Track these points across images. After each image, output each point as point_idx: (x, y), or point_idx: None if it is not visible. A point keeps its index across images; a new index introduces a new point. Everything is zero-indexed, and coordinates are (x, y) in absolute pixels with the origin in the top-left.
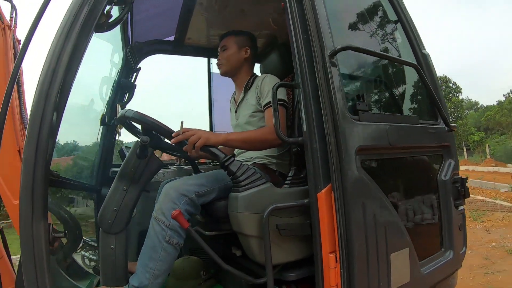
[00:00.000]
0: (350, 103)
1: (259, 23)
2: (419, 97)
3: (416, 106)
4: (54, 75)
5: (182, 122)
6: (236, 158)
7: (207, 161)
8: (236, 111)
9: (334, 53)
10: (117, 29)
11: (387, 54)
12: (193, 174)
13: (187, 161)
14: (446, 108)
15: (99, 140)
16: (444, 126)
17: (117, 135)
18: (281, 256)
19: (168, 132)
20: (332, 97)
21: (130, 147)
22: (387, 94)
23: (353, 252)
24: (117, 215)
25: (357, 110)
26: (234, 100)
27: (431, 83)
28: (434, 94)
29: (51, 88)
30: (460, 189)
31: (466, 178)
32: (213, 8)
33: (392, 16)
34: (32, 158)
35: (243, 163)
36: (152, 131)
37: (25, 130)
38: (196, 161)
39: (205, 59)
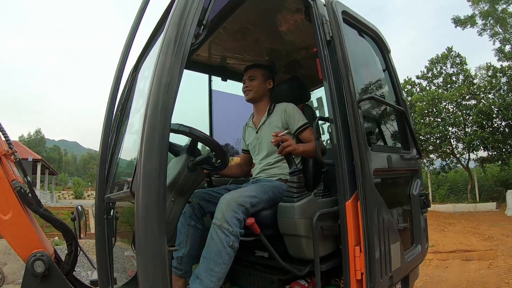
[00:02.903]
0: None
1: (265, 52)
2: (399, 132)
3: (398, 139)
4: (170, 88)
5: (288, 131)
6: (262, 175)
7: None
8: (257, 132)
9: (361, 101)
10: None
11: (391, 103)
12: (206, 186)
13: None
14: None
15: None
16: (414, 154)
17: None
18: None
19: (218, 146)
20: (360, 132)
21: None
22: (382, 130)
23: (373, 244)
24: (165, 226)
25: (370, 142)
26: (253, 122)
27: (407, 122)
28: (413, 131)
29: (168, 102)
30: (425, 201)
31: (428, 193)
32: (235, 33)
33: (382, 66)
34: (156, 174)
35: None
36: (196, 146)
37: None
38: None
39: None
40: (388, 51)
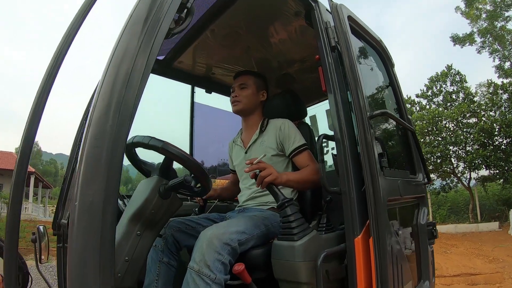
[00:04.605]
0: None
1: (254, 63)
2: (406, 154)
3: (405, 161)
4: (130, 82)
5: (264, 155)
6: (250, 203)
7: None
8: (246, 152)
9: (372, 116)
10: None
11: (403, 121)
12: (194, 214)
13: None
14: None
15: None
16: (421, 179)
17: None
18: None
19: (198, 166)
20: (372, 154)
21: None
22: (390, 152)
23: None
24: (129, 266)
25: (382, 167)
26: (241, 140)
27: (416, 143)
28: (422, 153)
29: (126, 102)
30: (433, 231)
31: (435, 222)
32: (224, 38)
33: (386, 80)
34: (99, 209)
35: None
36: (171, 166)
37: None
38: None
39: (188, 86)
40: (393, 65)
